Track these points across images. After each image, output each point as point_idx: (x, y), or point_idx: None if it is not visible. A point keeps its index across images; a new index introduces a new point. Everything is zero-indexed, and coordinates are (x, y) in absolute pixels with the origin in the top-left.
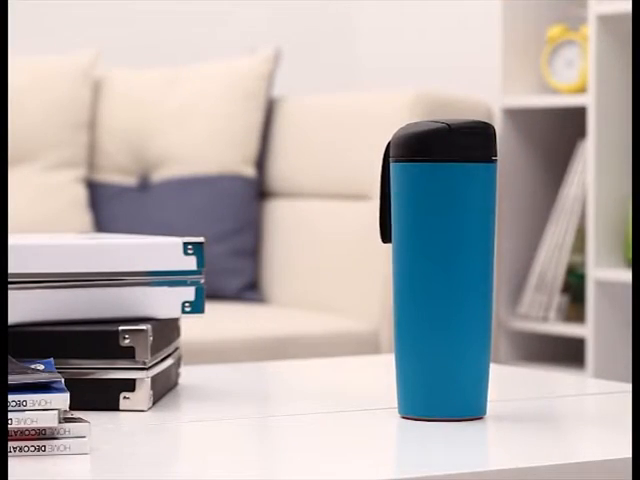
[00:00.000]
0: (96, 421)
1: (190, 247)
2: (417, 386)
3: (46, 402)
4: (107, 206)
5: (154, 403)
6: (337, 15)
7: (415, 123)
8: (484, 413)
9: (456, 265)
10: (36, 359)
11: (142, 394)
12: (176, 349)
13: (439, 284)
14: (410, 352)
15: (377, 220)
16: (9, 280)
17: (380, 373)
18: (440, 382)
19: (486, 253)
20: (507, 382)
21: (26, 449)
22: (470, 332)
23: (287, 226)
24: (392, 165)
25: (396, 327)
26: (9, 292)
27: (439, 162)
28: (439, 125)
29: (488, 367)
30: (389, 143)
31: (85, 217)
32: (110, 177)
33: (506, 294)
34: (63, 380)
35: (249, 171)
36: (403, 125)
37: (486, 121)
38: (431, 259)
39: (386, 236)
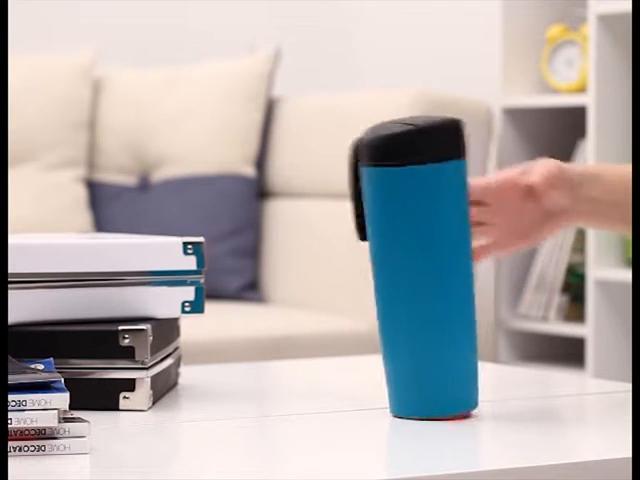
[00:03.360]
0: (96, 421)
1: (190, 247)
2: (406, 386)
3: (46, 402)
4: (107, 206)
5: (154, 403)
6: (337, 15)
7: (381, 125)
8: (475, 406)
9: (435, 263)
10: (36, 359)
11: (142, 394)
12: (176, 349)
13: (418, 284)
14: (394, 352)
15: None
16: (9, 280)
17: (379, 373)
18: (428, 380)
19: (463, 248)
20: (507, 382)
21: (26, 449)
22: (453, 329)
23: (287, 226)
24: (363, 169)
25: (381, 329)
26: (9, 292)
27: (408, 165)
28: (406, 127)
29: (476, 361)
30: (356, 145)
31: (85, 217)
32: (110, 177)
33: (506, 294)
34: (63, 380)
35: (249, 171)
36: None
37: (454, 117)
38: (409, 259)
39: (363, 234)
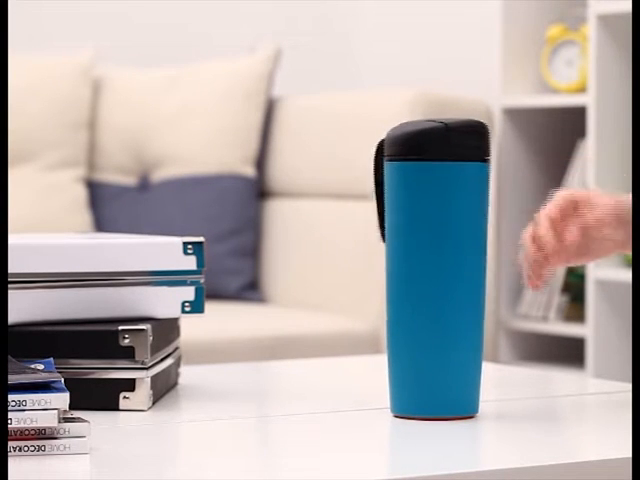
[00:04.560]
0: (96, 421)
1: (190, 247)
2: (409, 385)
3: (46, 402)
4: (107, 206)
5: (154, 403)
6: (337, 15)
7: (409, 122)
8: (476, 411)
9: (448, 263)
10: (36, 359)
11: (142, 394)
12: (176, 349)
13: (431, 283)
14: (402, 351)
15: (376, 220)
16: (9, 280)
17: (379, 373)
18: (431, 380)
19: (478, 252)
20: (507, 382)
21: (26, 449)
22: (462, 331)
23: (287, 226)
24: (386, 164)
25: (389, 325)
26: (9, 292)
27: (433, 161)
28: (433, 124)
29: (480, 366)
30: (382, 142)
31: (85, 217)
32: (110, 177)
33: (506, 294)
34: (63, 380)
35: (249, 171)
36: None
37: (481, 121)
38: (423, 257)
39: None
